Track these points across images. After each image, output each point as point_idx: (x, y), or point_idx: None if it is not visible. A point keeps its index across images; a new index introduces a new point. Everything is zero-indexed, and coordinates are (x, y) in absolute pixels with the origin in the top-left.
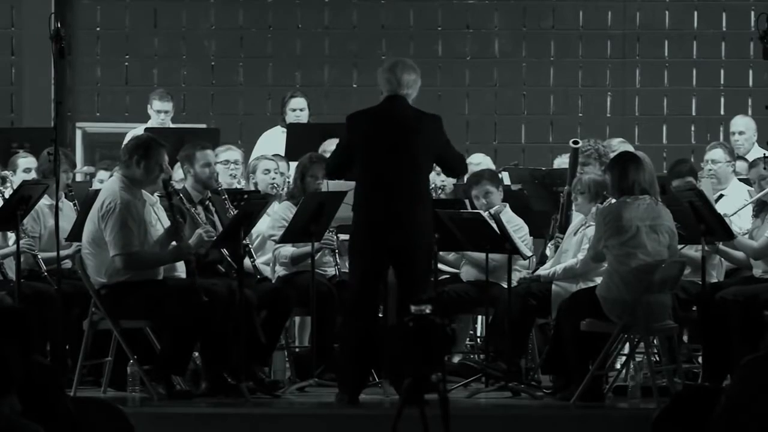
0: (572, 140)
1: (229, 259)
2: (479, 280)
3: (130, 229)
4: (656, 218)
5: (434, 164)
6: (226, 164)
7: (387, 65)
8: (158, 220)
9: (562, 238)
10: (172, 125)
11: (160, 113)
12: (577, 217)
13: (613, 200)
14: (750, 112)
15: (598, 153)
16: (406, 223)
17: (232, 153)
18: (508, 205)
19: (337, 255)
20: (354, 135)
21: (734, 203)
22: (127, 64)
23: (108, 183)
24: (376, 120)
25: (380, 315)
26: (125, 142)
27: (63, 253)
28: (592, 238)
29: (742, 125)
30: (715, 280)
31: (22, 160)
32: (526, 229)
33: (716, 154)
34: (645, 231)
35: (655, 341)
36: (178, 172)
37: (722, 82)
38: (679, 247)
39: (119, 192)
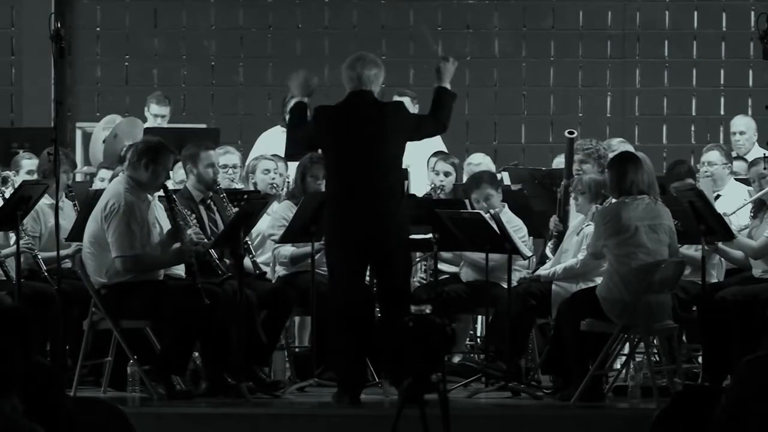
0: (567, 131)
1: (217, 261)
2: (479, 280)
3: (132, 232)
4: (655, 218)
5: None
6: (224, 168)
7: (348, 62)
8: (156, 219)
9: (560, 235)
10: (170, 126)
11: (156, 117)
12: (577, 218)
13: (613, 200)
14: (750, 112)
15: (598, 153)
16: (378, 220)
17: (231, 157)
18: (506, 205)
19: None
20: (321, 129)
21: (731, 204)
22: (127, 64)
23: (113, 183)
24: (341, 117)
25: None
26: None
27: (63, 253)
28: (592, 237)
29: (743, 125)
30: (715, 280)
31: (26, 161)
32: (525, 229)
33: (712, 155)
34: (644, 230)
35: (655, 341)
36: (179, 173)
37: (722, 82)
38: (678, 246)
39: (123, 193)
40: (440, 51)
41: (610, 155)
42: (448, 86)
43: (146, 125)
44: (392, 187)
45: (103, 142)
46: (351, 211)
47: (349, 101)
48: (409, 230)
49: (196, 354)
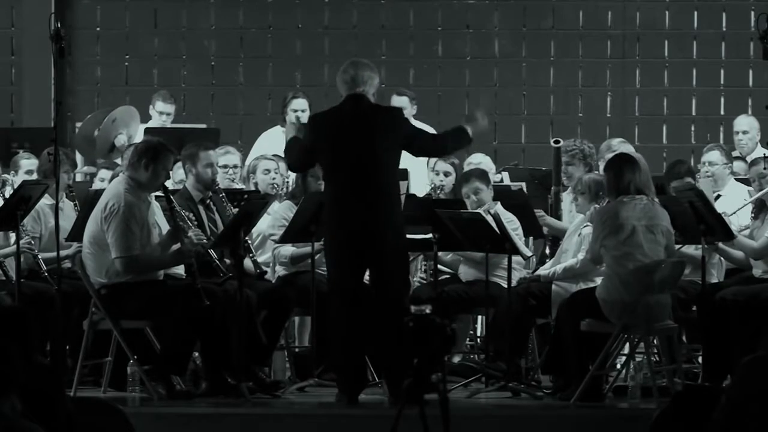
0: (553, 140)
1: (217, 262)
2: (479, 280)
3: (132, 232)
4: (653, 218)
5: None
6: (224, 168)
7: (342, 67)
8: (156, 220)
9: (554, 239)
10: (169, 126)
11: (162, 114)
12: (577, 217)
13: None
14: (750, 112)
15: (583, 153)
16: (372, 223)
17: (231, 157)
18: (499, 203)
19: None
20: (317, 136)
21: (732, 204)
22: (127, 64)
23: (113, 184)
24: (336, 120)
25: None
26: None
27: (63, 253)
28: (590, 240)
29: (746, 125)
30: (715, 280)
31: (24, 161)
32: (518, 223)
33: (713, 156)
34: (642, 231)
35: (655, 341)
36: (178, 173)
37: (722, 82)
38: (678, 246)
39: (123, 194)
40: (440, 51)
41: (608, 155)
42: (470, 132)
43: (150, 123)
44: (386, 190)
45: (99, 129)
46: (346, 214)
47: (344, 104)
48: (405, 234)
49: (196, 354)
